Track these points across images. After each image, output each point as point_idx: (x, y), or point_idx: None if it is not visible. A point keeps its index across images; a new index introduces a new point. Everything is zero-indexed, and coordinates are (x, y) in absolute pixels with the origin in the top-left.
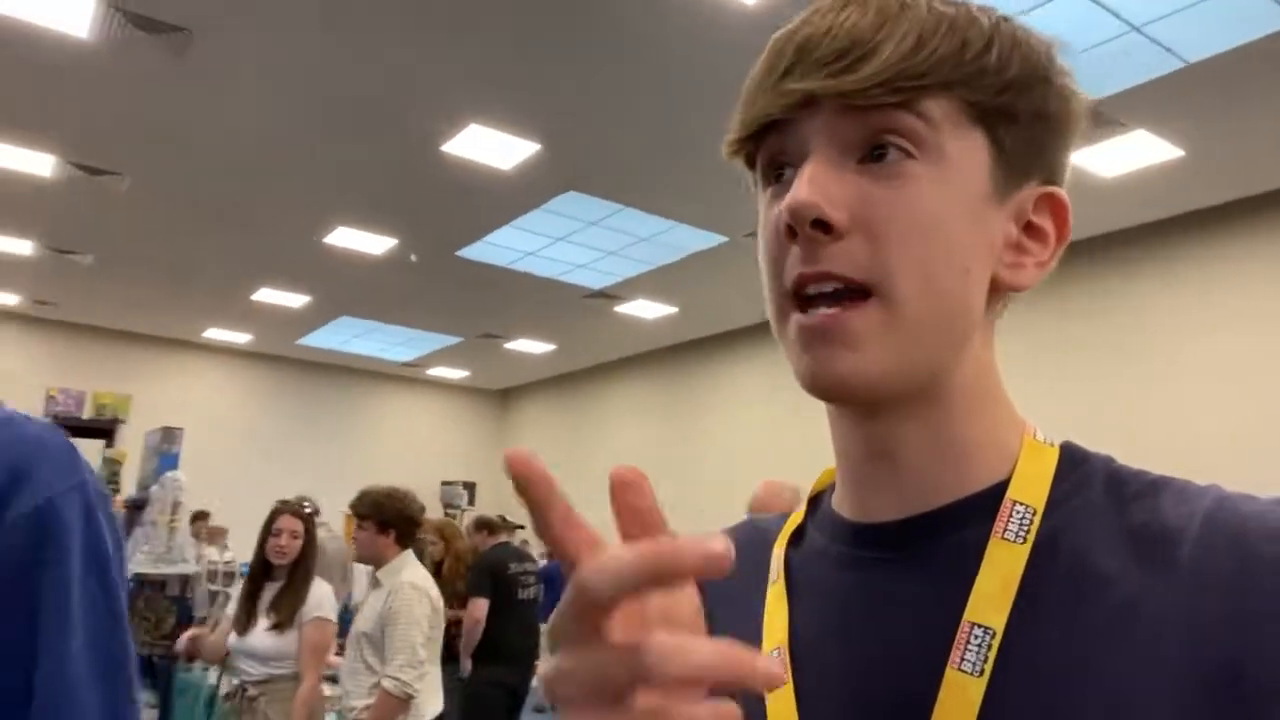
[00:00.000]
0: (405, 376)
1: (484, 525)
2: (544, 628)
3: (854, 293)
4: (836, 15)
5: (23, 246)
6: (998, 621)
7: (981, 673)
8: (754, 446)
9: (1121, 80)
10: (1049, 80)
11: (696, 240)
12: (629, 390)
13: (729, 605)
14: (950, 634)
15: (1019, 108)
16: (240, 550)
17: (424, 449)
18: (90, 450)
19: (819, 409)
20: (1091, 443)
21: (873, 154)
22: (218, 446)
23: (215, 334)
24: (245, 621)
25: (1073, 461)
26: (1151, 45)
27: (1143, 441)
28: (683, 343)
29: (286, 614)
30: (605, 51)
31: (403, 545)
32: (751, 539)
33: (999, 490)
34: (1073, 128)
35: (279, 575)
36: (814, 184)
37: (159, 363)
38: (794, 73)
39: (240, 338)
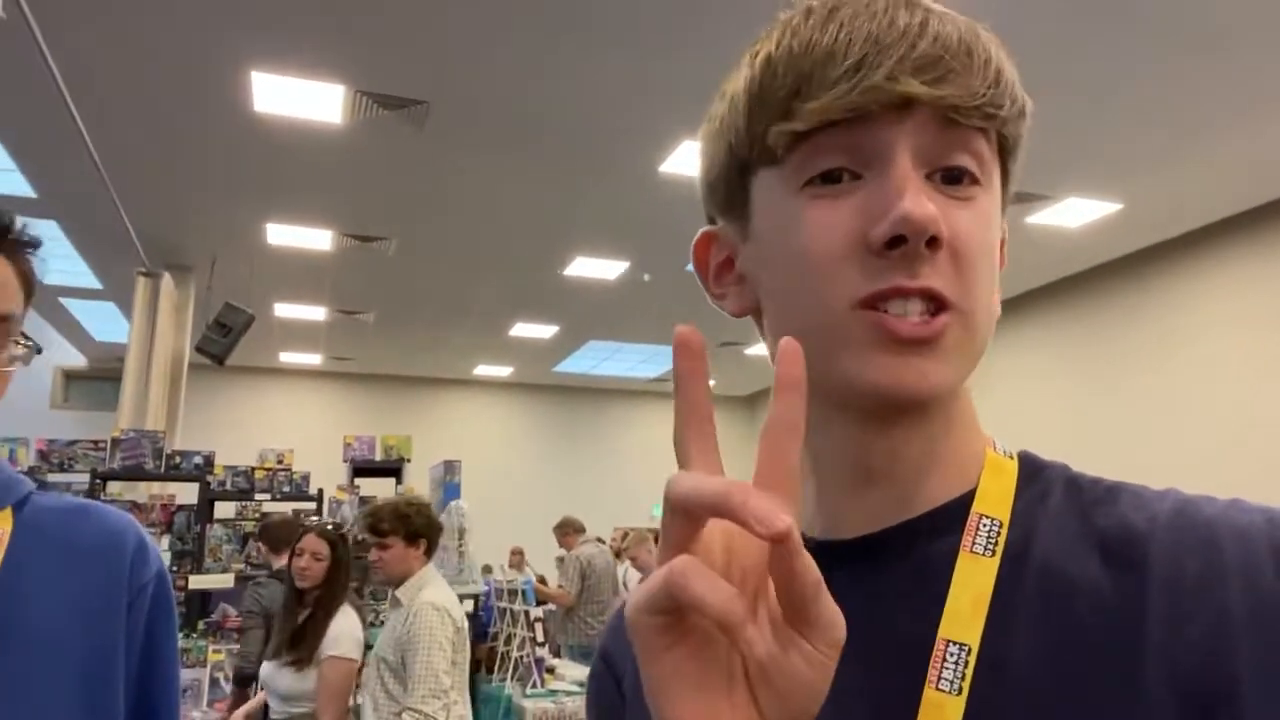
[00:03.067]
0: (654, 392)
1: None
2: None
3: (939, 309)
4: (895, 16)
5: (317, 313)
6: (972, 638)
7: (960, 691)
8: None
9: None
10: (1027, 115)
11: None
12: None
13: None
14: (926, 652)
15: (1020, 143)
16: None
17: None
18: (384, 488)
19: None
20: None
21: (952, 173)
22: (494, 474)
23: (482, 370)
24: (279, 649)
25: (1032, 471)
26: None
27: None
28: None
29: (306, 650)
30: None
31: (429, 556)
32: None
33: (966, 500)
34: None
35: (309, 602)
36: (928, 198)
37: (435, 402)
38: (876, 67)
39: (503, 371)
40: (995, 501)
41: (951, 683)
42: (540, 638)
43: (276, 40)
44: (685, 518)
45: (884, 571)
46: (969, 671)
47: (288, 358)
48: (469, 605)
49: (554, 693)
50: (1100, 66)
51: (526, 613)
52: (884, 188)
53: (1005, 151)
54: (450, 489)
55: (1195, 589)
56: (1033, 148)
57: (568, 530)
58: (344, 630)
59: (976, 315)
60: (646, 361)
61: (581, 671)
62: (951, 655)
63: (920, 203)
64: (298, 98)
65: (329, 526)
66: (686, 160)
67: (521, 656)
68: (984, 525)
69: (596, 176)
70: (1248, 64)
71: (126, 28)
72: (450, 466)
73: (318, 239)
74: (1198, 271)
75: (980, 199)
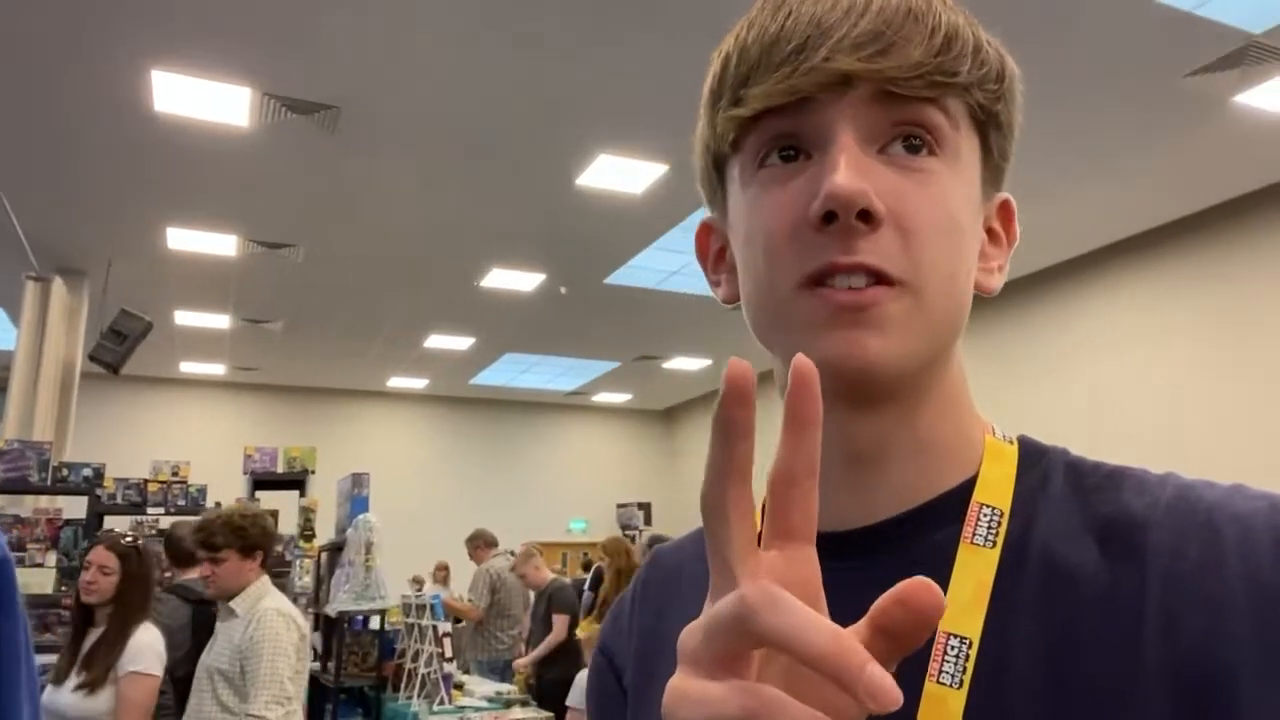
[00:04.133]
0: (572, 405)
1: (656, 542)
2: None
3: (881, 283)
4: None
5: (221, 321)
6: (973, 630)
7: (961, 684)
8: None
9: None
10: (1016, 93)
11: None
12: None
13: (684, 619)
14: (928, 644)
15: (1004, 116)
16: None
17: (597, 474)
18: (287, 501)
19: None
20: (1270, 403)
21: (899, 145)
22: (406, 488)
23: (396, 382)
24: (63, 672)
25: (1032, 457)
26: None
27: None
28: None
29: (99, 670)
30: None
31: (265, 568)
32: (699, 554)
33: (966, 489)
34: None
35: (100, 620)
36: (857, 172)
37: (346, 414)
38: (817, 48)
39: (418, 383)
40: (995, 490)
41: (953, 676)
42: (449, 653)
43: (180, 39)
44: (756, 645)
45: (883, 564)
46: (970, 665)
47: (189, 367)
48: (376, 621)
49: (462, 709)
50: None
51: (435, 628)
52: (824, 165)
53: (982, 120)
54: (358, 502)
55: (1194, 577)
56: None
57: (479, 543)
58: (145, 645)
59: (928, 291)
60: (564, 374)
61: (490, 688)
62: (952, 648)
63: (847, 177)
64: (202, 99)
65: (124, 539)
66: (603, 174)
67: (429, 673)
68: (984, 515)
69: (513, 187)
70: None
71: (15, 17)
72: (358, 479)
73: (221, 244)
74: None
75: (937, 171)
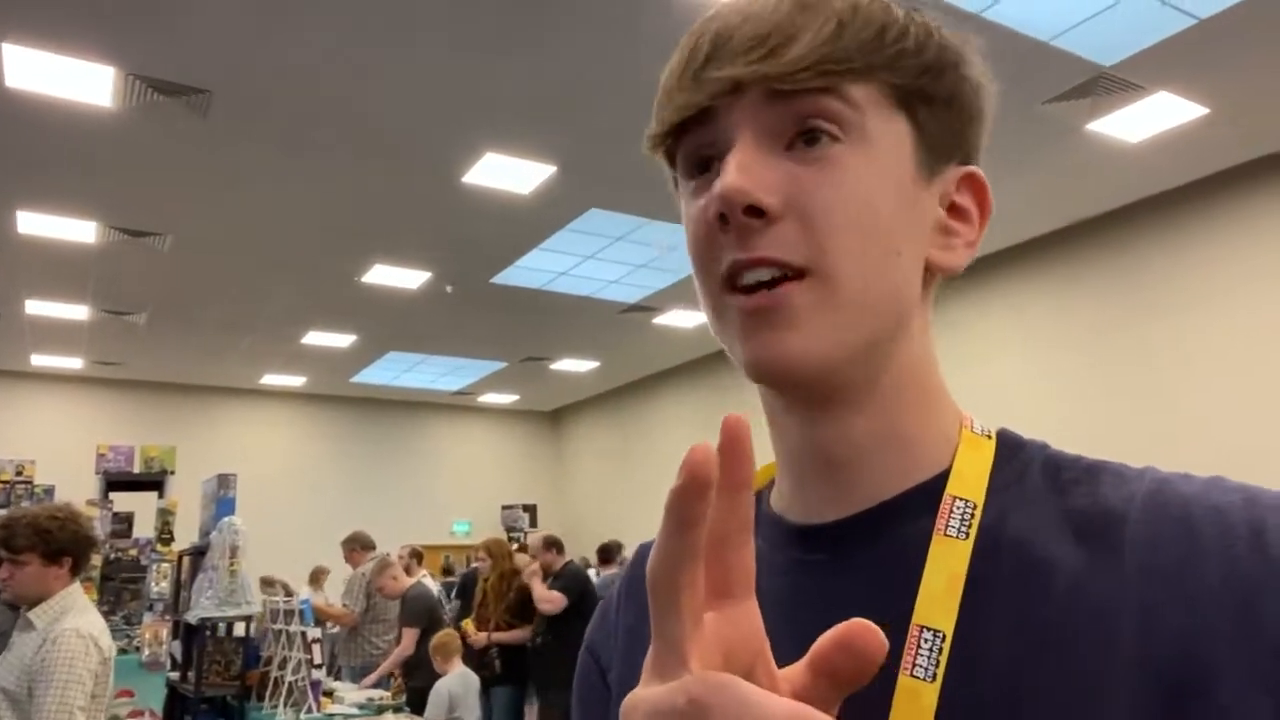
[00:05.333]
0: (457, 405)
1: (553, 544)
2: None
3: (790, 277)
4: (751, 5)
5: (78, 311)
6: (946, 624)
7: (934, 678)
8: None
9: (1136, 43)
10: (959, 68)
11: None
12: (676, 399)
13: None
14: (900, 637)
15: (935, 91)
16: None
17: (482, 475)
18: (144, 502)
19: None
20: (1128, 408)
21: (800, 139)
22: (280, 489)
23: (271, 379)
24: None
25: (1009, 450)
26: (1162, 5)
27: (1179, 406)
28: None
29: None
30: (612, 70)
31: (75, 575)
32: None
33: (940, 481)
34: (984, 115)
35: None
36: (743, 170)
37: (215, 412)
38: (714, 61)
39: (295, 380)
40: (969, 483)
41: (926, 669)
42: (318, 660)
43: (34, 11)
44: None
45: (857, 556)
46: (943, 658)
47: (42, 360)
48: (241, 628)
49: (331, 717)
50: None
51: (303, 634)
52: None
53: (905, 99)
54: (224, 504)
55: (1172, 571)
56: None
57: (355, 546)
58: None
59: (840, 276)
60: (450, 374)
61: (362, 694)
62: (925, 642)
63: (730, 177)
64: (59, 76)
65: None
66: (490, 173)
67: (296, 680)
68: (957, 507)
69: (398, 182)
70: None
71: None
72: (224, 480)
73: (79, 230)
74: None
75: (839, 156)
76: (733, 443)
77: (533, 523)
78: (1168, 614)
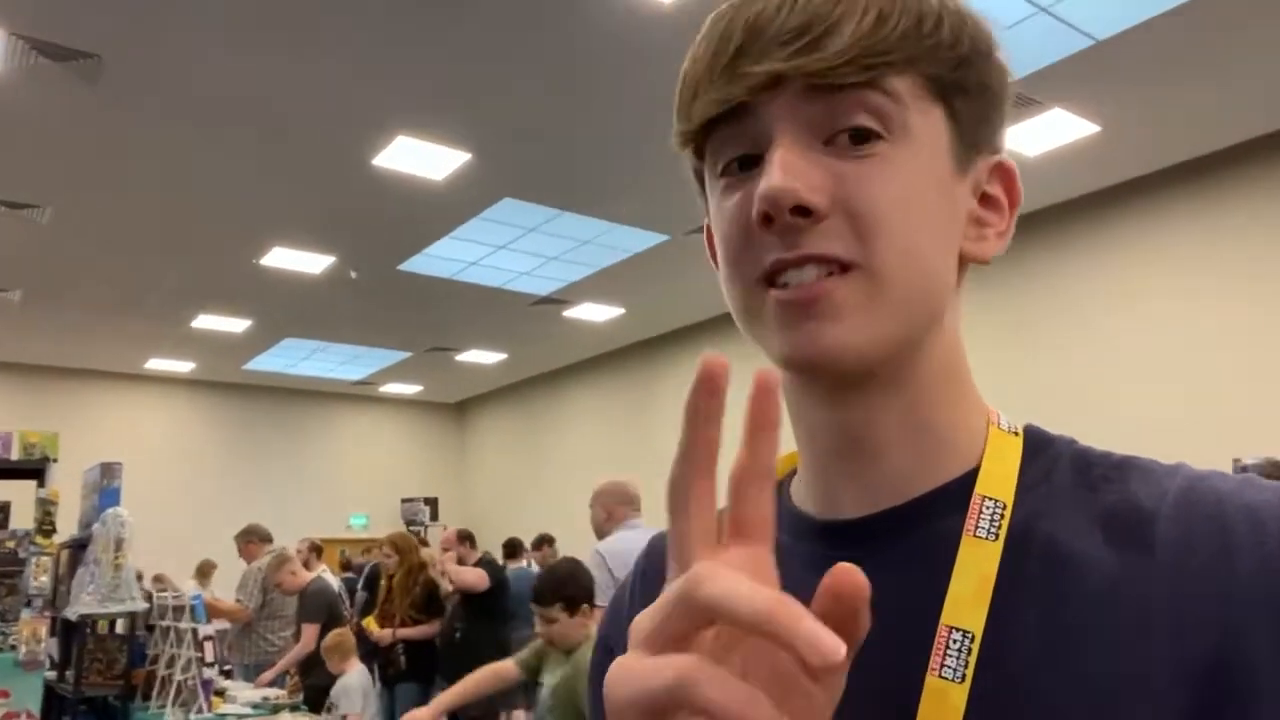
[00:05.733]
0: (358, 395)
1: (466, 537)
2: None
3: (833, 272)
4: None
5: None
6: (976, 624)
7: (963, 679)
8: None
9: (1036, 60)
10: (991, 55)
11: (638, 240)
12: (585, 394)
13: None
14: (929, 637)
15: (971, 82)
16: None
17: (382, 467)
18: (21, 491)
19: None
20: (1026, 417)
21: (842, 135)
22: (167, 479)
23: (157, 364)
24: None
25: (1037, 447)
26: (1062, 25)
27: (1072, 417)
28: (634, 343)
29: None
30: (529, 59)
31: None
32: None
33: (969, 480)
34: (1008, 101)
35: None
36: (788, 169)
37: (96, 397)
38: (749, 53)
39: (183, 366)
40: (998, 482)
41: (955, 670)
42: (210, 657)
43: None
44: (700, 618)
45: (885, 555)
46: (972, 659)
47: None
48: (126, 628)
49: (223, 717)
50: None
51: (194, 630)
52: (765, 167)
53: (942, 90)
54: (107, 495)
55: (1205, 571)
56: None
57: (251, 539)
58: None
59: (886, 270)
60: (350, 363)
61: (256, 693)
62: (954, 642)
63: (776, 177)
64: None
65: None
66: (402, 157)
67: (186, 679)
68: (987, 507)
69: (302, 162)
70: None
71: None
72: (109, 469)
73: None
74: None
75: (888, 153)
76: (763, 388)
77: (433, 516)
78: (1201, 613)
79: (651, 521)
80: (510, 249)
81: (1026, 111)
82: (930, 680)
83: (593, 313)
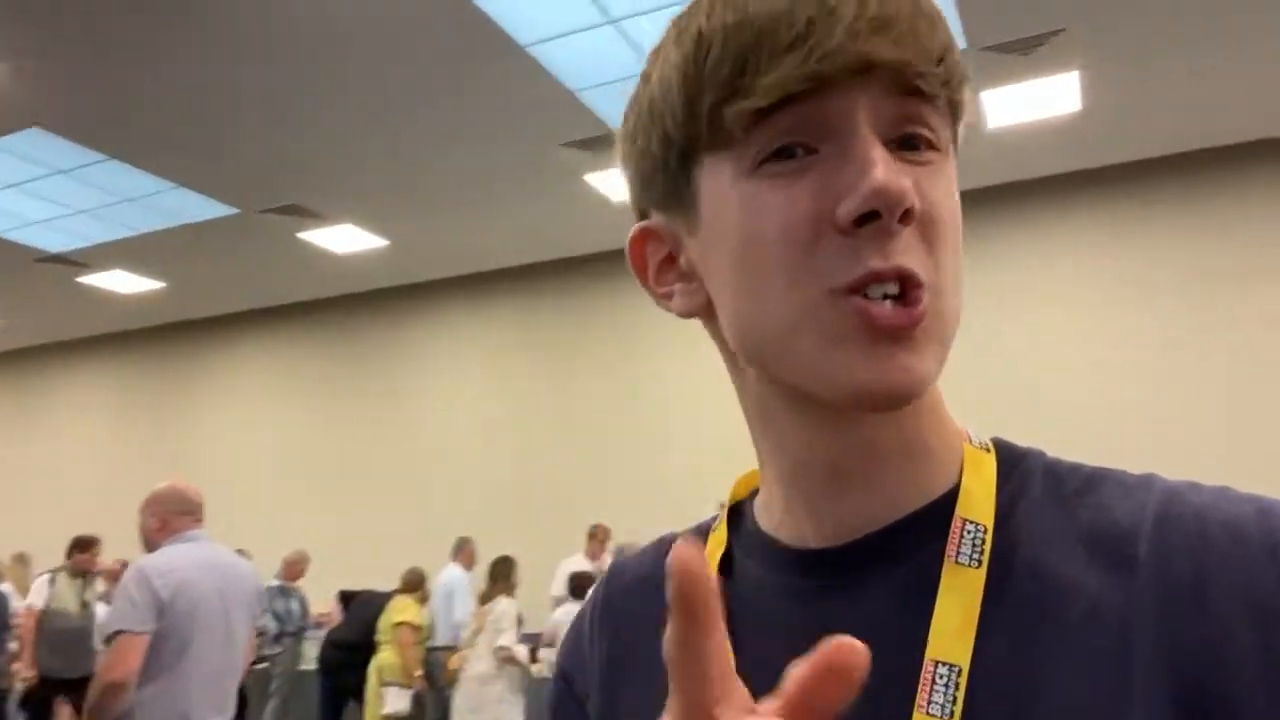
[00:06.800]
0: None
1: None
2: None
3: (909, 290)
4: None
5: None
6: (962, 657)
7: (951, 714)
8: (262, 446)
9: None
10: (968, 74)
11: (200, 208)
12: (94, 376)
13: (644, 644)
14: (914, 671)
15: (965, 103)
16: None
17: None
18: None
19: (338, 410)
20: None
21: (911, 140)
22: None
23: None
24: None
25: (1010, 462)
26: None
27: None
28: (171, 324)
29: None
30: None
31: None
32: (654, 571)
33: (949, 501)
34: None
35: None
36: (889, 167)
37: None
38: (830, 30)
39: None
40: (977, 503)
41: (942, 706)
42: None
43: None
44: None
45: (866, 583)
46: (960, 694)
47: None
48: None
49: None
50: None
51: None
52: (848, 160)
53: (957, 118)
54: None
55: (1189, 589)
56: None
57: None
58: None
59: (947, 294)
60: None
61: None
62: (941, 677)
63: (894, 173)
64: None
65: None
66: None
67: None
68: (968, 532)
69: None
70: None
71: None
72: None
73: None
74: None
75: (940, 164)
76: (681, 569)
77: None
78: (1188, 632)
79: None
80: (26, 190)
81: None
82: (918, 716)
83: (120, 282)
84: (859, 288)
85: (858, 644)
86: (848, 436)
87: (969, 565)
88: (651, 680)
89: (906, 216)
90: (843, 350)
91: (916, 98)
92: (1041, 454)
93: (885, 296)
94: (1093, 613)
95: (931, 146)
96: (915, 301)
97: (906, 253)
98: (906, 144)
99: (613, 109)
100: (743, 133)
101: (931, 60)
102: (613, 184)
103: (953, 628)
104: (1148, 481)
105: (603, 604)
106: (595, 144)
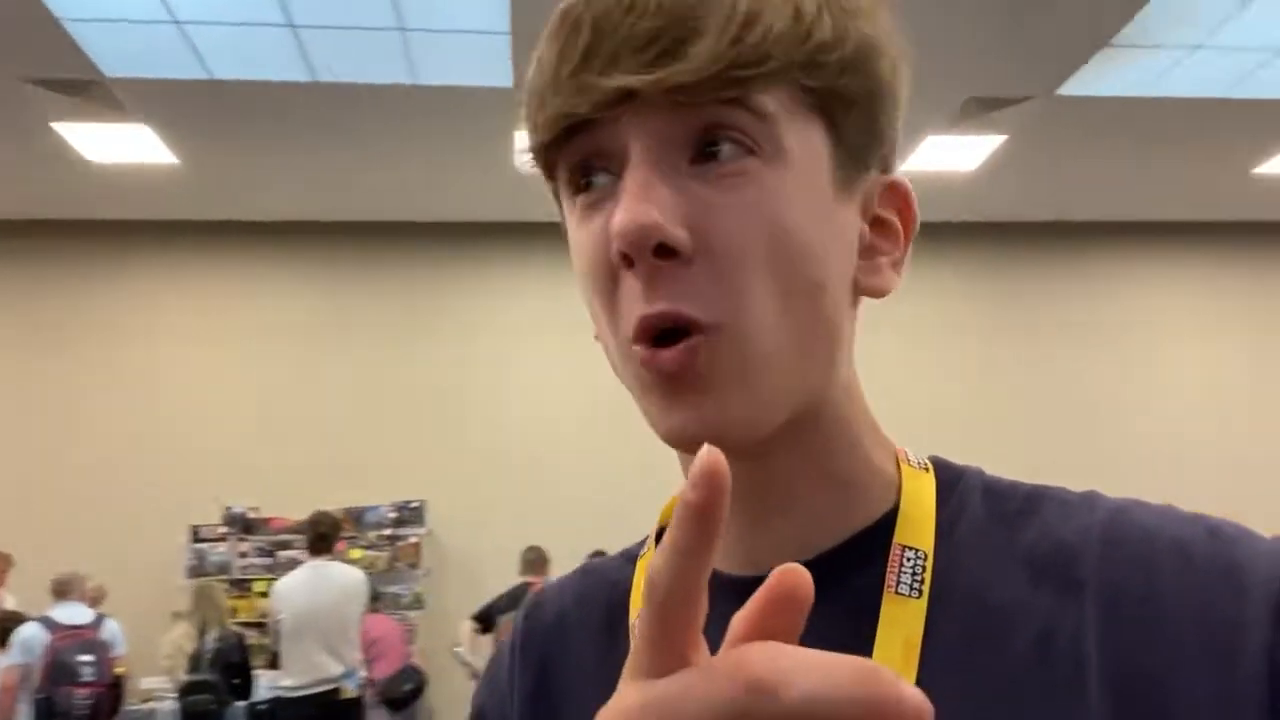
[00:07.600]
0: None
1: None
2: None
3: (695, 332)
4: None
5: None
6: None
7: None
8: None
9: (145, 68)
10: (882, 50)
11: None
12: None
13: (573, 676)
14: None
15: (856, 90)
16: None
17: None
18: None
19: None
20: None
21: (705, 151)
22: None
23: None
24: None
25: (949, 482)
26: (187, 44)
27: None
28: None
29: None
30: None
31: None
32: (593, 594)
33: (887, 525)
34: (901, 107)
35: None
36: (645, 199)
37: None
38: (597, 59)
39: None
40: (916, 526)
41: None
42: None
43: None
44: None
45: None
46: None
47: None
48: None
49: None
50: None
51: None
52: (621, 194)
53: (820, 102)
54: None
55: (1137, 612)
56: None
57: None
58: None
59: (756, 333)
60: None
61: None
62: None
63: (631, 210)
64: None
65: None
66: None
67: None
68: (908, 559)
69: None
70: None
71: None
72: None
73: None
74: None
75: (758, 173)
76: (703, 472)
77: None
78: (1137, 656)
79: None
80: None
81: (109, 115)
82: None
83: None
84: (639, 337)
85: (797, 566)
86: (749, 468)
87: (909, 596)
88: (583, 714)
89: (666, 252)
90: (646, 398)
91: (701, 109)
92: (980, 471)
93: (668, 346)
94: (1039, 638)
95: (749, 151)
96: (685, 347)
97: (685, 295)
98: (713, 155)
99: (109, 50)
100: (547, 163)
101: (702, 70)
102: (88, 139)
103: (895, 660)
104: (1091, 500)
105: (522, 637)
106: (82, 89)
